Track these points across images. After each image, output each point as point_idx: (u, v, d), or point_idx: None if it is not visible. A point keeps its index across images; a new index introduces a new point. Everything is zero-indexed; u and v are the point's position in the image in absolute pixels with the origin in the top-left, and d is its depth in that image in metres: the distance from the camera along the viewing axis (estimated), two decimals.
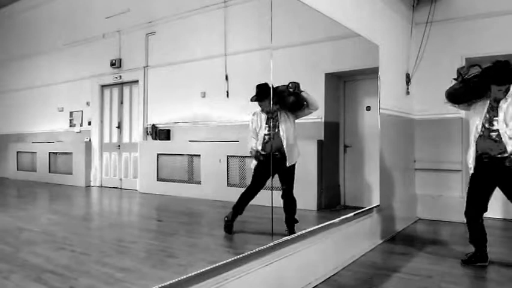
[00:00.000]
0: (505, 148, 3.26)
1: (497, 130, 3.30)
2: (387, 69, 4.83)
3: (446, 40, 5.59)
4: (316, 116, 4.38)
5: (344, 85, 4.76)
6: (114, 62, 5.45)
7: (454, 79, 3.56)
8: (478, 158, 3.39)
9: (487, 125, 3.35)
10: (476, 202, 3.49)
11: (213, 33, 5.07)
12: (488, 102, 3.38)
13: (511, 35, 5.14)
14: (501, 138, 3.27)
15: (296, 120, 3.49)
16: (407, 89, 5.64)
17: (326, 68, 4.48)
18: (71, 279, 2.43)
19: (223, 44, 4.86)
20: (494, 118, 3.32)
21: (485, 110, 3.38)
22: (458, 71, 3.50)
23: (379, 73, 4.53)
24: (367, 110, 4.71)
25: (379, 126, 4.51)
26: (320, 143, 4.29)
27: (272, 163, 3.20)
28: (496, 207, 5.15)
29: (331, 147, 4.60)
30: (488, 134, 3.34)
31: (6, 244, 3.13)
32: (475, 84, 3.41)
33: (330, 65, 4.57)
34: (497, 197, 3.57)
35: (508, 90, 3.32)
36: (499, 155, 3.29)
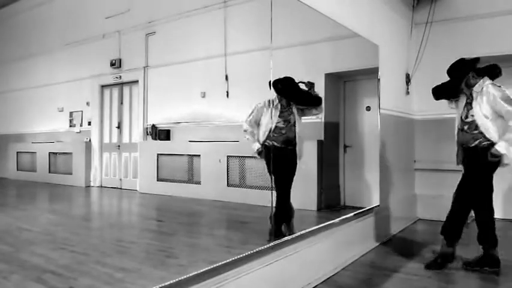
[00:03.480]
0: (483, 139, 3.33)
1: (470, 122, 3.38)
2: (387, 69, 4.83)
3: (446, 40, 5.58)
4: (316, 116, 4.38)
5: (344, 85, 4.76)
6: (114, 62, 5.45)
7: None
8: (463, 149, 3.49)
9: (464, 119, 3.46)
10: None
11: (213, 33, 5.07)
12: (465, 98, 3.50)
13: (510, 35, 5.14)
14: (473, 129, 3.36)
15: None
16: (407, 89, 5.64)
17: (326, 68, 4.49)
18: (71, 279, 2.43)
19: (223, 44, 4.86)
20: (470, 112, 3.42)
21: (463, 105, 3.50)
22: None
23: (379, 73, 4.53)
24: (367, 110, 4.71)
25: (379, 126, 4.51)
26: (320, 143, 4.29)
27: (285, 156, 3.24)
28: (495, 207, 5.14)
29: (331, 147, 4.60)
30: (462, 127, 3.46)
31: (6, 244, 3.13)
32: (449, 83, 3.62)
33: (330, 65, 4.58)
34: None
35: (467, 82, 3.43)
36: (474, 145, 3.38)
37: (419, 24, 5.74)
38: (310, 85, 3.38)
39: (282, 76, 3.31)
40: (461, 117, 3.49)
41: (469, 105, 3.44)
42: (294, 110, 3.35)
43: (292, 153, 3.30)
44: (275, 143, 3.27)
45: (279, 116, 3.31)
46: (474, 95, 3.39)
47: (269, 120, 3.29)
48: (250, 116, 3.37)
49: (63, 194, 5.45)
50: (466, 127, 3.41)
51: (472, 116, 3.37)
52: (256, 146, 3.30)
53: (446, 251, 3.54)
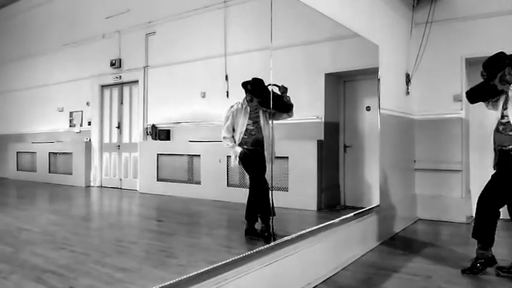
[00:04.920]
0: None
1: (505, 123, 3.22)
2: (387, 69, 4.83)
3: (446, 40, 5.58)
4: (316, 116, 4.39)
5: (344, 85, 4.76)
6: (114, 62, 5.45)
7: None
8: (498, 151, 3.31)
9: (500, 119, 3.29)
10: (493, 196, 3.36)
11: (213, 33, 5.07)
12: (505, 97, 3.30)
13: (510, 35, 5.14)
14: (508, 130, 3.19)
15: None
16: (407, 89, 5.64)
17: (326, 68, 4.49)
18: (71, 279, 2.43)
19: (223, 44, 4.86)
20: (505, 112, 3.25)
21: (501, 105, 3.32)
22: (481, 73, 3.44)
23: (379, 73, 4.53)
24: (367, 110, 4.71)
25: (379, 126, 4.51)
26: (320, 143, 4.29)
27: (255, 157, 3.31)
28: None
29: (331, 147, 4.60)
30: (497, 128, 3.29)
31: (6, 244, 3.13)
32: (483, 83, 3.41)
33: (330, 65, 4.58)
34: None
35: (502, 78, 3.22)
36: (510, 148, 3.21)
37: (419, 24, 5.74)
38: (284, 89, 3.33)
39: (281, 76, 3.31)
40: (498, 117, 3.29)
41: (505, 104, 3.24)
42: (260, 113, 3.39)
43: (261, 155, 3.34)
44: (246, 146, 3.38)
45: (249, 118, 3.39)
46: (510, 93, 3.19)
47: (243, 122, 3.38)
48: (227, 122, 3.44)
49: (63, 194, 5.45)
50: (501, 128, 3.25)
51: (507, 116, 3.20)
52: (239, 149, 3.38)
53: (482, 254, 3.37)
